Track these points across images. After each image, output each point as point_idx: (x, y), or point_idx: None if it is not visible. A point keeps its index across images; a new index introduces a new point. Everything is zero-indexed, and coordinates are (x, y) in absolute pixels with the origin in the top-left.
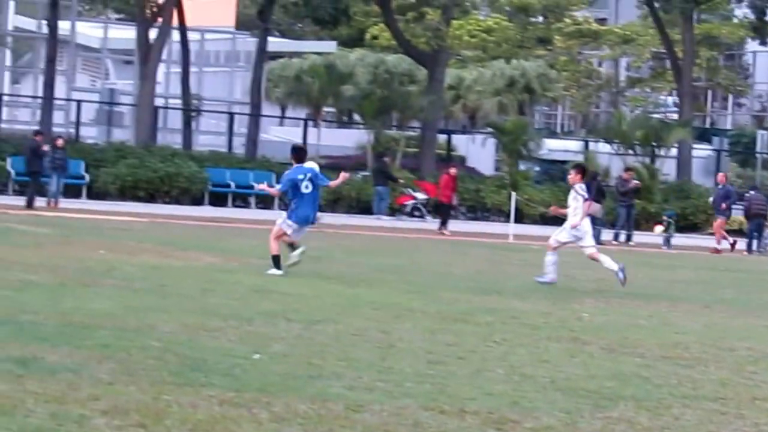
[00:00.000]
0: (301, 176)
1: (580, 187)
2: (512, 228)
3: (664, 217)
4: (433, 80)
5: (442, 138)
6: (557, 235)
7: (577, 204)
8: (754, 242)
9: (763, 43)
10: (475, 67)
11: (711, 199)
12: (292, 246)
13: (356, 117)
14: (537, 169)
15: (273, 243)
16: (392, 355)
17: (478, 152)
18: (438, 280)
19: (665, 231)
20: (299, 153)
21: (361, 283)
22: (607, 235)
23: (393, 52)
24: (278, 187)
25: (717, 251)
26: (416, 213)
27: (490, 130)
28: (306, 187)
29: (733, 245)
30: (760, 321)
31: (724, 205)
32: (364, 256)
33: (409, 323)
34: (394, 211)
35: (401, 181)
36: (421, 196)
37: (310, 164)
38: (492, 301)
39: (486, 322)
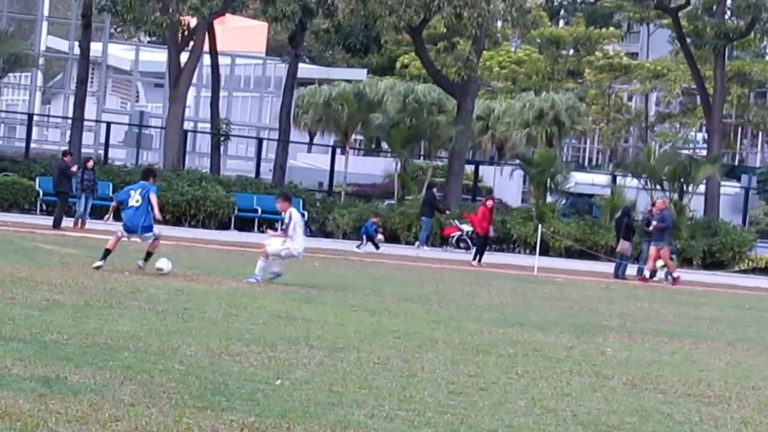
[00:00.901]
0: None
1: None
2: (537, 260)
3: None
4: (462, 110)
5: (469, 168)
6: None
7: None
8: None
9: None
10: (505, 99)
11: (652, 226)
12: None
13: (384, 145)
14: (564, 201)
15: None
16: (413, 385)
17: (506, 184)
18: (461, 310)
19: (665, 266)
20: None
21: (384, 311)
22: (631, 269)
23: (423, 81)
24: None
25: (675, 281)
26: (462, 245)
27: (517, 161)
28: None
29: (675, 279)
30: None
31: (658, 230)
32: (389, 285)
33: (431, 353)
34: (442, 242)
35: (448, 212)
36: (466, 227)
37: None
38: (515, 333)
39: (508, 354)
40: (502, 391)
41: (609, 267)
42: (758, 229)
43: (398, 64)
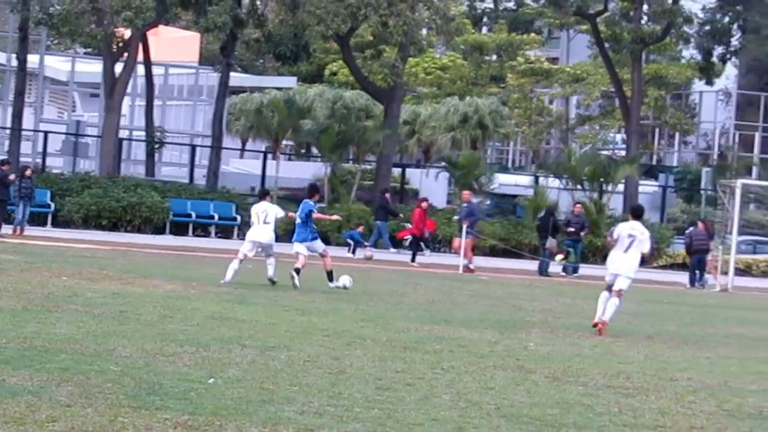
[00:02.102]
0: None
1: None
2: (463, 260)
3: (564, 247)
4: (389, 115)
5: (396, 171)
6: None
7: None
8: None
9: (709, 83)
10: (430, 104)
11: (456, 217)
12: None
13: (314, 150)
14: (488, 202)
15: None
16: (342, 381)
17: (432, 186)
18: (389, 309)
19: (564, 260)
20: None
21: (314, 311)
22: (555, 267)
23: (351, 88)
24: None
25: (470, 270)
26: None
27: (443, 164)
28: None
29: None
30: (701, 353)
31: (467, 223)
32: (320, 285)
33: (359, 350)
34: (396, 245)
35: (401, 215)
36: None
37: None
38: (441, 330)
39: (434, 350)
40: (428, 386)
41: (533, 265)
42: (675, 227)
43: (327, 72)
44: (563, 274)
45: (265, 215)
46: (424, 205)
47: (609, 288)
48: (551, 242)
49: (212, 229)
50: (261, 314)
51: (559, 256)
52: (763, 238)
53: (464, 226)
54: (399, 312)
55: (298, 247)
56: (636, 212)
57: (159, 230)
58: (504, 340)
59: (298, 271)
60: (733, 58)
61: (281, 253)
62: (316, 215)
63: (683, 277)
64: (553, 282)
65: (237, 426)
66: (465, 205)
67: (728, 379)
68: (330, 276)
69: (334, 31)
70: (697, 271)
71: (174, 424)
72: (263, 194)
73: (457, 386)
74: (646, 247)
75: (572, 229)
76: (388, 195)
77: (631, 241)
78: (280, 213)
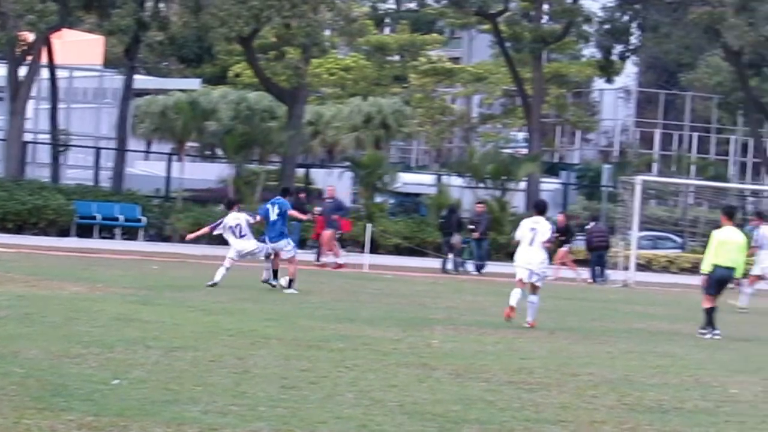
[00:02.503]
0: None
1: None
2: (368, 258)
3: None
4: (293, 116)
5: (301, 172)
6: None
7: None
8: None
9: (609, 81)
10: (334, 104)
11: (319, 209)
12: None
13: (219, 152)
14: (392, 201)
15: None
16: (247, 381)
17: (336, 185)
18: (295, 308)
19: (458, 256)
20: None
21: (220, 311)
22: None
23: (255, 90)
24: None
25: (339, 266)
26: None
27: (347, 164)
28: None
29: (340, 265)
30: (602, 347)
31: (335, 217)
32: (225, 286)
33: (264, 350)
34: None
35: (311, 215)
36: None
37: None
38: (345, 328)
39: (339, 349)
40: (332, 384)
41: (436, 263)
42: (577, 223)
43: (231, 74)
44: (452, 270)
45: (240, 229)
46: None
47: (522, 283)
48: (456, 239)
49: (117, 231)
50: (166, 315)
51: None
52: (663, 234)
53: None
54: (304, 311)
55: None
56: (539, 207)
57: (64, 232)
58: (407, 338)
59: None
60: (633, 56)
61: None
62: (291, 212)
63: (585, 272)
64: (457, 279)
65: (141, 426)
66: (330, 199)
67: (629, 374)
68: (275, 273)
69: (237, 33)
70: (598, 267)
71: (78, 426)
72: (231, 204)
73: (360, 384)
74: (546, 236)
75: (472, 227)
76: (303, 195)
77: (533, 234)
78: (251, 219)
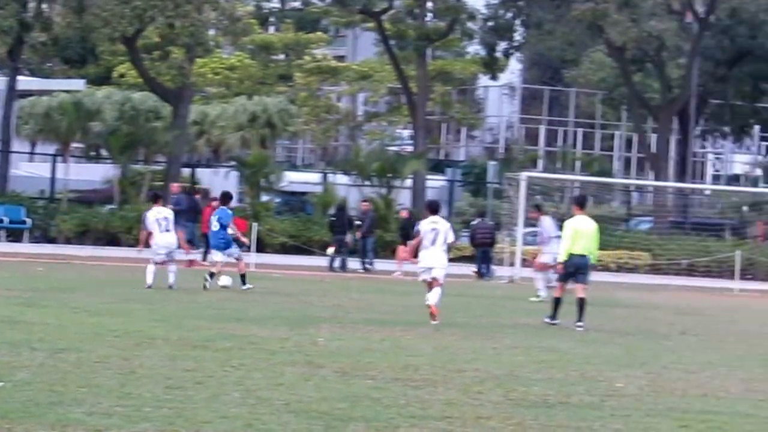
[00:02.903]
0: None
1: None
2: (254, 257)
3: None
4: (178, 116)
5: (186, 171)
6: None
7: None
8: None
9: (493, 78)
10: (219, 103)
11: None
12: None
13: (104, 152)
14: (278, 200)
15: None
16: (132, 381)
17: (222, 184)
18: (181, 308)
19: (336, 252)
20: None
21: (105, 312)
22: (353, 263)
23: (139, 90)
24: None
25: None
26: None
27: (233, 163)
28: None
29: (192, 262)
30: (488, 343)
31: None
32: (111, 287)
33: (150, 350)
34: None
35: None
36: (230, 231)
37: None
38: (232, 327)
39: (225, 348)
40: (218, 383)
41: (323, 261)
42: (463, 220)
43: (115, 74)
44: (338, 268)
45: (167, 222)
46: (214, 204)
47: (430, 286)
48: (349, 237)
49: (2, 233)
50: (51, 317)
51: (330, 249)
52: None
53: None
54: (191, 311)
55: (216, 255)
56: (432, 207)
57: None
58: (294, 336)
59: (212, 275)
60: (517, 53)
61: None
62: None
63: (471, 269)
64: (343, 277)
65: (25, 429)
66: (173, 196)
67: (514, 369)
68: (243, 279)
69: (120, 33)
70: (484, 263)
71: None
72: (155, 198)
73: (246, 383)
74: (450, 237)
75: (359, 223)
76: (198, 195)
77: (434, 234)
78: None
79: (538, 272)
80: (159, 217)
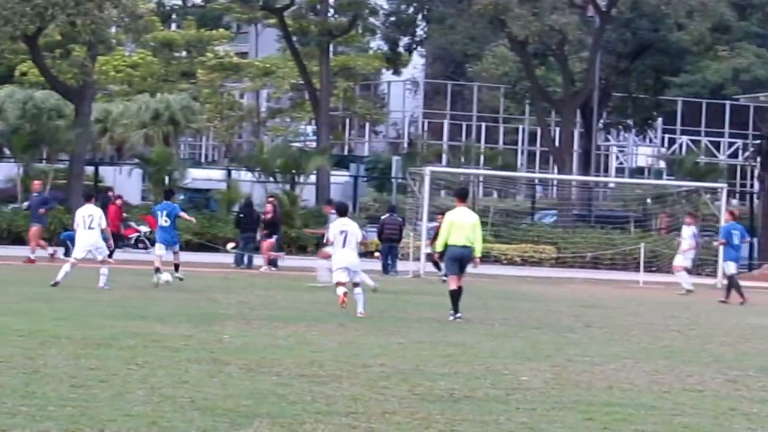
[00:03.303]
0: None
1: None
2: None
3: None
4: (81, 114)
5: (90, 170)
6: None
7: None
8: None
9: (396, 74)
10: (122, 101)
11: (26, 204)
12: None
13: (6, 151)
14: (182, 197)
15: None
16: (36, 381)
17: (125, 182)
18: (85, 307)
19: (236, 248)
20: None
21: (8, 311)
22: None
23: (41, 88)
24: None
25: (31, 261)
26: (140, 245)
27: (136, 161)
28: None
29: (52, 255)
30: (394, 338)
31: (42, 211)
32: (14, 286)
33: (54, 349)
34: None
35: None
36: (144, 228)
37: None
38: (136, 325)
39: (129, 346)
40: (122, 382)
41: (228, 258)
42: (368, 215)
43: (17, 73)
44: (244, 265)
45: (91, 219)
46: (118, 202)
47: (342, 284)
48: (258, 234)
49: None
50: None
51: (231, 245)
52: None
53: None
54: (94, 309)
55: (160, 249)
56: (340, 210)
57: None
58: (199, 334)
59: (158, 270)
60: (419, 48)
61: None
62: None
63: (377, 264)
64: (248, 274)
65: None
66: (35, 194)
67: (420, 364)
68: (177, 268)
69: (21, 31)
70: (390, 259)
71: None
72: (88, 197)
73: (151, 381)
74: (359, 236)
75: (267, 217)
76: (111, 194)
77: (344, 236)
78: (103, 222)
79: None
80: (85, 214)
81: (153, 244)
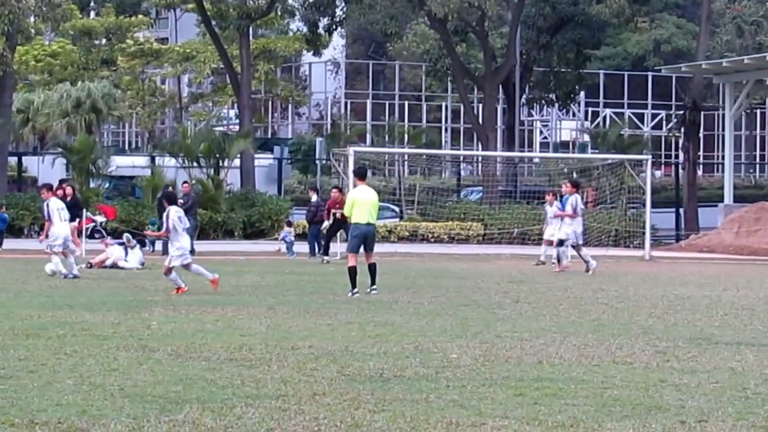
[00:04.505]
0: None
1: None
2: (84, 244)
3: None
4: (2, 105)
5: (13, 160)
6: None
7: None
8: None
9: (317, 55)
10: (43, 91)
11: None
12: None
13: None
14: (107, 185)
15: None
16: None
17: (49, 172)
18: (12, 297)
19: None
20: None
21: None
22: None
23: None
24: None
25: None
26: (96, 235)
27: (59, 150)
28: None
29: None
30: (322, 320)
31: None
32: None
33: None
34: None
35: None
36: (100, 218)
37: None
38: (64, 315)
39: (57, 336)
40: (52, 371)
41: (156, 246)
42: (293, 197)
43: None
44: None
45: (64, 212)
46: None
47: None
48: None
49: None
50: None
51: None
52: (381, 204)
53: None
54: (21, 300)
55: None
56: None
57: None
58: (127, 321)
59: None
60: (339, 29)
61: None
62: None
63: (304, 246)
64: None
65: None
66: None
67: (349, 344)
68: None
69: None
70: (316, 241)
71: None
72: (49, 188)
73: (80, 370)
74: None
75: (181, 202)
76: (70, 189)
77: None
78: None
79: None
80: (58, 206)
81: (110, 234)
